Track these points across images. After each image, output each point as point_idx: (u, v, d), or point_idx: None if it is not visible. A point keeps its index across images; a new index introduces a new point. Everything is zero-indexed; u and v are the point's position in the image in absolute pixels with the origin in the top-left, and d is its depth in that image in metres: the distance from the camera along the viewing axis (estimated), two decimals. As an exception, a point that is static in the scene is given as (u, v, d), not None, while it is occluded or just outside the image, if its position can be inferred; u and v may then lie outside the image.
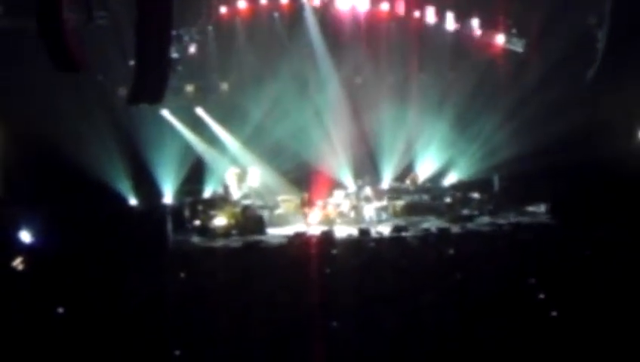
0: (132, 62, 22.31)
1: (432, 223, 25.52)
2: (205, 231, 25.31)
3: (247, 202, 26.51)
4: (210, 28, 27.83)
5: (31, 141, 24.38)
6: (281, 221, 26.29)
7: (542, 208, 26.04)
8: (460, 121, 28.29)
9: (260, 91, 27.65)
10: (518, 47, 28.13)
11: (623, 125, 26.15)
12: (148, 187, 26.82)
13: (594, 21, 26.63)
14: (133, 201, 26.74)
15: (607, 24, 25.98)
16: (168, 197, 27.14)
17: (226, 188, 26.87)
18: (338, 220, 26.14)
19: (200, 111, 28.42)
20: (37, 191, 23.81)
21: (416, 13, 28.22)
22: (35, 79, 23.95)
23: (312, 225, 25.52)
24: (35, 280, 17.01)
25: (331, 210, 26.34)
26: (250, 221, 25.61)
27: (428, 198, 27.75)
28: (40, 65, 20.80)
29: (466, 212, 26.51)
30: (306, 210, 26.09)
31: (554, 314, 13.50)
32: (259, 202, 26.86)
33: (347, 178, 27.79)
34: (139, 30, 19.04)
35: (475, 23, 28.19)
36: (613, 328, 12.59)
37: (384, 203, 27.00)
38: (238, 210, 25.88)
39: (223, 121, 28.31)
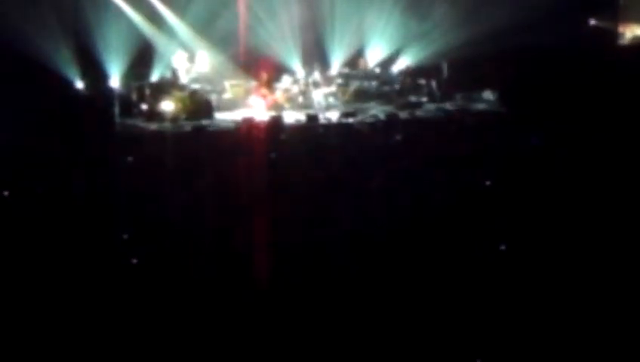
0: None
1: (380, 110, 25.49)
2: (153, 115, 25.04)
3: (195, 86, 26.26)
4: None
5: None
6: (229, 106, 26.08)
7: (491, 95, 26.06)
8: (411, 5, 28.04)
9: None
10: None
11: (574, 10, 26.08)
12: (94, 71, 26.38)
13: None
14: (79, 85, 26.36)
15: None
16: (115, 82, 26.76)
17: (174, 72, 26.53)
18: (286, 105, 26.00)
19: (148, -7, 27.89)
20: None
21: None
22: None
23: (260, 110, 25.39)
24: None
25: (280, 96, 26.19)
26: (199, 105, 25.36)
27: (377, 84, 27.61)
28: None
29: (414, 98, 26.46)
30: (255, 95, 25.92)
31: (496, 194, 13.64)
32: (207, 86, 26.59)
33: (296, 63, 27.52)
34: None
35: None
36: (558, 213, 12.77)
37: (333, 89, 26.86)
38: (186, 94, 25.61)
39: (171, 3, 27.81)
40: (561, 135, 17.40)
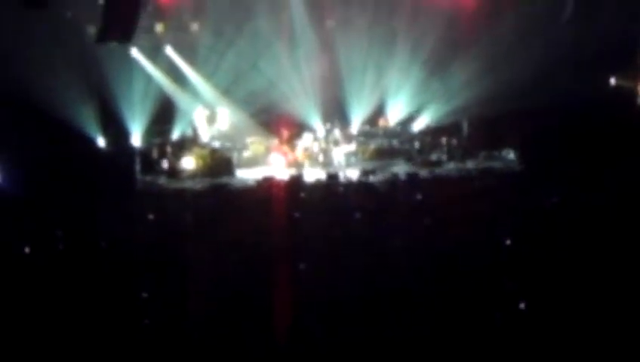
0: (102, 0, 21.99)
1: (400, 168, 25.51)
2: (173, 172, 25.18)
3: (215, 144, 26.39)
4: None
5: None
6: (249, 163, 26.17)
7: (511, 154, 26.05)
8: (432, 65, 28.14)
9: (230, 32, 27.35)
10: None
11: (594, 69, 26.10)
12: (116, 128, 26.53)
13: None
14: (101, 143, 26.50)
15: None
16: (136, 139, 26.89)
17: (194, 129, 26.71)
18: (307, 163, 26.07)
19: (170, 50, 28.08)
20: (3, 131, 23.50)
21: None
22: (1, 15, 23.52)
23: (280, 168, 25.45)
24: (1, 221, 16.88)
25: (300, 153, 26.27)
26: (219, 163, 25.50)
27: (397, 143, 27.66)
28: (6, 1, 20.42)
29: (434, 157, 26.49)
30: (275, 152, 26.00)
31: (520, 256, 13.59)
32: (227, 144, 26.73)
33: (317, 121, 27.64)
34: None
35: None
36: (577, 274, 12.70)
37: (353, 146, 26.92)
38: (206, 151, 25.76)
39: (192, 61, 28.00)
40: (581, 194, 17.34)
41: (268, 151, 26.31)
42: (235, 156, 26.08)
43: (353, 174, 24.35)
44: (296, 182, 22.77)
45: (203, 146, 26.05)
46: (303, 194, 20.42)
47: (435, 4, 28.07)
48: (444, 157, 26.41)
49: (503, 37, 27.00)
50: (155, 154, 25.93)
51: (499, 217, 15.90)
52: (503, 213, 16.32)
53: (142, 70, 27.08)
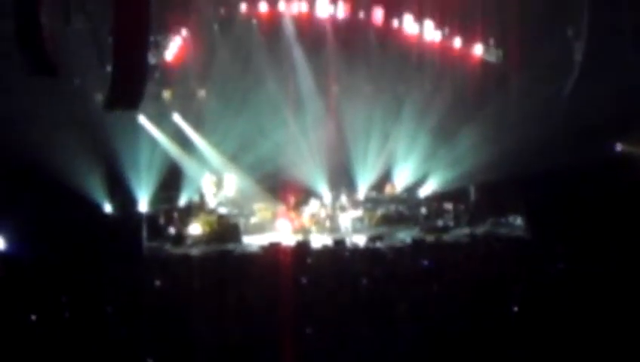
0: (109, 68, 22.15)
1: (407, 234, 25.51)
2: (180, 239, 25.23)
3: (222, 210, 26.44)
4: (188, 34, 27.64)
5: (3, 145, 24.11)
6: (256, 229, 26.23)
7: (518, 220, 26.07)
8: (438, 131, 28.27)
9: (237, 99, 27.55)
10: (495, 57, 28.15)
11: (599, 136, 26.20)
12: (123, 194, 26.65)
13: (571, 33, 26.66)
14: (108, 208, 26.56)
15: (584, 37, 26.04)
16: (143, 205, 26.98)
17: (201, 195, 26.81)
18: (313, 229, 26.09)
19: (177, 117, 28.28)
20: (10, 196, 23.57)
21: (395, 22, 28.15)
22: (10, 82, 23.72)
23: (287, 234, 25.47)
24: (7, 288, 16.86)
25: (307, 219, 26.30)
26: (226, 229, 25.56)
27: (404, 209, 27.70)
28: (15, 68, 20.59)
29: (441, 223, 26.52)
30: (282, 218, 26.04)
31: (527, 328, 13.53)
32: (234, 210, 26.78)
33: (323, 187, 27.72)
34: (116, 35, 18.91)
35: (453, 33, 28.11)
36: (583, 341, 12.63)
37: (360, 212, 26.97)
38: (213, 217, 25.84)
39: (199, 127, 28.18)
40: (588, 261, 17.31)
41: (275, 217, 26.39)
42: (242, 222, 26.15)
43: (360, 240, 24.39)
44: (302, 247, 22.78)
45: (210, 212, 26.13)
46: (309, 260, 20.39)
47: (440, 71, 28.30)
48: (451, 223, 26.48)
49: (508, 103, 27.20)
50: (162, 220, 26.02)
51: (505, 284, 15.85)
52: (509, 279, 16.28)
53: (149, 136, 27.27)
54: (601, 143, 26.59)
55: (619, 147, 27.50)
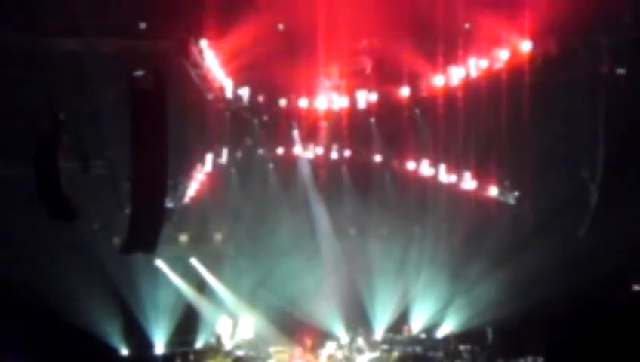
0: (128, 211, 22.36)
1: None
2: (196, 382, 25.08)
3: (239, 353, 26.30)
4: (205, 178, 27.90)
5: (21, 288, 24.22)
6: (273, 372, 26.05)
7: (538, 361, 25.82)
8: (454, 272, 28.24)
9: (253, 242, 27.71)
10: (511, 199, 28.24)
11: (617, 277, 26.12)
12: (139, 337, 26.59)
13: (586, 174, 26.73)
14: (124, 352, 26.47)
15: (598, 177, 26.12)
16: (160, 347, 26.88)
17: (218, 338, 26.69)
18: (331, 372, 25.90)
19: (194, 260, 28.38)
20: (26, 340, 23.58)
21: (411, 165, 28.37)
22: (29, 226, 23.92)
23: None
24: None
25: (324, 362, 26.12)
26: (242, 371, 25.40)
27: (421, 350, 27.47)
28: (34, 212, 20.81)
29: (458, 366, 26.31)
30: (298, 361, 25.89)
31: None
32: (251, 353, 26.62)
33: (340, 329, 27.60)
34: (134, 180, 19.20)
35: (468, 175, 28.27)
36: None
37: (377, 354, 26.76)
38: (230, 360, 25.69)
39: (216, 270, 28.26)
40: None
41: (291, 359, 26.21)
42: (258, 365, 25.98)
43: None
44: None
45: (226, 355, 25.99)
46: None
47: (454, 212, 28.42)
48: (468, 366, 26.24)
49: (525, 243, 27.19)
50: (178, 362, 25.89)
51: None
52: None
53: (166, 279, 27.35)
54: (623, 282, 26.54)
55: (637, 287, 27.35)
